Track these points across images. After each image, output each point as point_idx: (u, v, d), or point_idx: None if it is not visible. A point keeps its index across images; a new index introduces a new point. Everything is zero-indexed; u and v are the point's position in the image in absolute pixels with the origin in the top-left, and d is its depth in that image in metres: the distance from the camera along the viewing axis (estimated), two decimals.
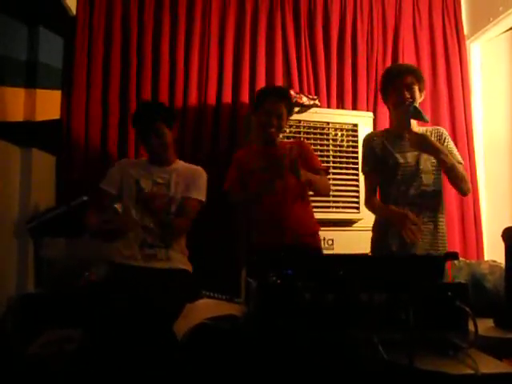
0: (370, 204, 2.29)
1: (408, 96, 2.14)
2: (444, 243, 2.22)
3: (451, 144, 2.26)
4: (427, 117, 2.19)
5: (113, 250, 2.17)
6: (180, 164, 2.34)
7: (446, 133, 2.29)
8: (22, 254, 2.59)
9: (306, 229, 2.28)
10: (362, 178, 2.82)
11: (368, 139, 2.33)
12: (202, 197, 2.23)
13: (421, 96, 2.22)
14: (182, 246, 2.24)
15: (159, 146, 2.21)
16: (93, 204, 2.38)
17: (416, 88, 2.17)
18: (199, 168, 2.33)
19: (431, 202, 2.19)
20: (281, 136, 2.55)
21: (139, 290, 1.93)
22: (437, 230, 2.19)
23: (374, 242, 2.31)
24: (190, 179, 2.24)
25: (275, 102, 2.23)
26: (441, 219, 2.22)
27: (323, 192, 2.34)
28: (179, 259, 2.16)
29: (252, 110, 2.41)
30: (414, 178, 2.17)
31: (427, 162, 2.18)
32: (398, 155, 2.19)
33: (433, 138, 2.17)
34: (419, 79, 2.19)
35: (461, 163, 2.20)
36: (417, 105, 2.13)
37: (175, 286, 1.96)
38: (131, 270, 2.08)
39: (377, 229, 2.31)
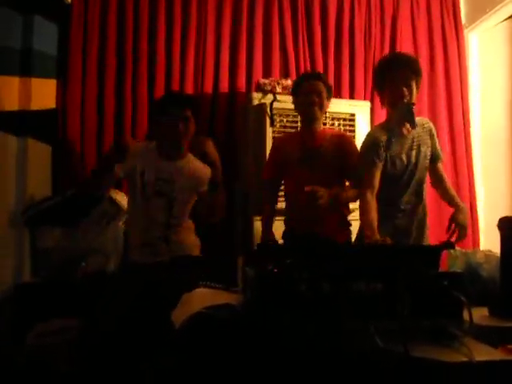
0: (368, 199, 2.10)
1: (406, 94, 2.06)
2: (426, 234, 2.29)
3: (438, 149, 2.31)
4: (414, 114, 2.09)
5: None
6: (189, 160, 2.21)
7: (433, 127, 2.29)
8: (18, 244, 2.58)
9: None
10: None
11: (376, 138, 2.17)
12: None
13: (417, 91, 2.13)
14: (186, 227, 2.20)
15: (183, 133, 2.09)
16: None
17: (413, 84, 2.09)
18: (207, 170, 2.12)
19: (421, 194, 2.23)
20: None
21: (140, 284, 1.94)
22: (424, 220, 2.26)
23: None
24: (195, 183, 2.16)
25: (314, 81, 2.26)
26: (424, 209, 2.27)
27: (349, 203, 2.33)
28: (182, 249, 2.14)
29: (293, 96, 2.39)
30: (413, 176, 2.17)
31: (425, 159, 2.20)
32: (403, 156, 2.15)
33: (424, 130, 2.20)
34: (417, 73, 2.11)
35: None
36: (413, 107, 2.06)
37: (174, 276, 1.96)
38: (134, 266, 2.10)
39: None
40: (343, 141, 2.33)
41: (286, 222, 2.42)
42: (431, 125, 2.27)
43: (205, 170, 2.13)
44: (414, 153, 2.16)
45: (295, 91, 2.33)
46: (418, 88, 2.13)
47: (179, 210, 2.15)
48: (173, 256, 2.09)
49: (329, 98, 2.30)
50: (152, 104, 3.01)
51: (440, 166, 2.31)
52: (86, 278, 2.44)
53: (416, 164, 2.17)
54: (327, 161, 2.25)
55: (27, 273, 2.61)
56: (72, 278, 2.44)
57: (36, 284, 2.50)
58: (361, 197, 2.12)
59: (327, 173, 2.24)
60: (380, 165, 2.12)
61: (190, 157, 2.24)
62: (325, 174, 2.22)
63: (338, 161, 2.26)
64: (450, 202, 2.26)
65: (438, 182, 2.32)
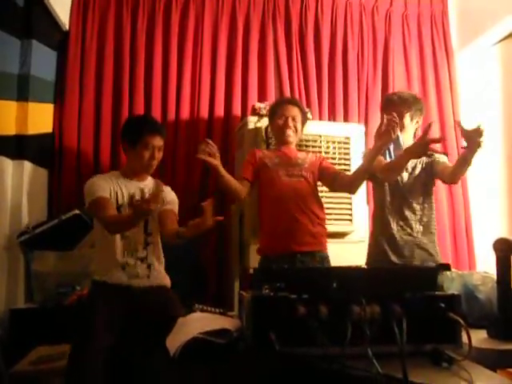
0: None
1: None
2: (438, 257, 2.27)
3: (443, 158, 2.31)
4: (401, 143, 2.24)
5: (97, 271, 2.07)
6: (150, 180, 2.22)
7: (435, 155, 2.33)
8: (12, 268, 2.56)
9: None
10: None
11: None
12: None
13: (415, 122, 2.32)
14: (161, 256, 2.17)
15: (154, 160, 2.10)
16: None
17: (404, 113, 2.25)
18: (168, 187, 2.22)
19: (422, 218, 2.25)
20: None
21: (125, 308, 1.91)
22: (431, 244, 2.25)
23: (371, 255, 2.34)
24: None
25: (289, 106, 2.31)
26: (432, 237, 2.27)
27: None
28: (156, 275, 2.10)
29: (269, 120, 2.45)
30: (406, 194, 2.25)
31: (417, 179, 2.26)
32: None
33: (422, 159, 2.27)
34: (404, 106, 2.26)
35: None
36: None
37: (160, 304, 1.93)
38: (115, 288, 2.00)
39: (374, 243, 2.33)
40: (315, 155, 2.42)
41: (260, 250, 2.31)
42: (439, 156, 2.32)
43: (169, 188, 2.21)
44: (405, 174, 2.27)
45: (271, 116, 2.38)
46: (414, 120, 2.32)
47: (153, 227, 2.12)
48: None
49: (303, 123, 2.37)
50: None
51: (440, 166, 2.25)
52: (81, 302, 2.42)
53: (408, 183, 2.26)
54: (304, 168, 2.28)
55: (21, 297, 2.58)
56: (66, 303, 2.41)
57: (31, 309, 2.47)
58: None
59: (304, 179, 2.26)
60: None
61: (149, 177, 2.23)
62: (302, 181, 2.26)
63: (314, 169, 2.30)
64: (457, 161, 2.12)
65: (449, 173, 2.19)
